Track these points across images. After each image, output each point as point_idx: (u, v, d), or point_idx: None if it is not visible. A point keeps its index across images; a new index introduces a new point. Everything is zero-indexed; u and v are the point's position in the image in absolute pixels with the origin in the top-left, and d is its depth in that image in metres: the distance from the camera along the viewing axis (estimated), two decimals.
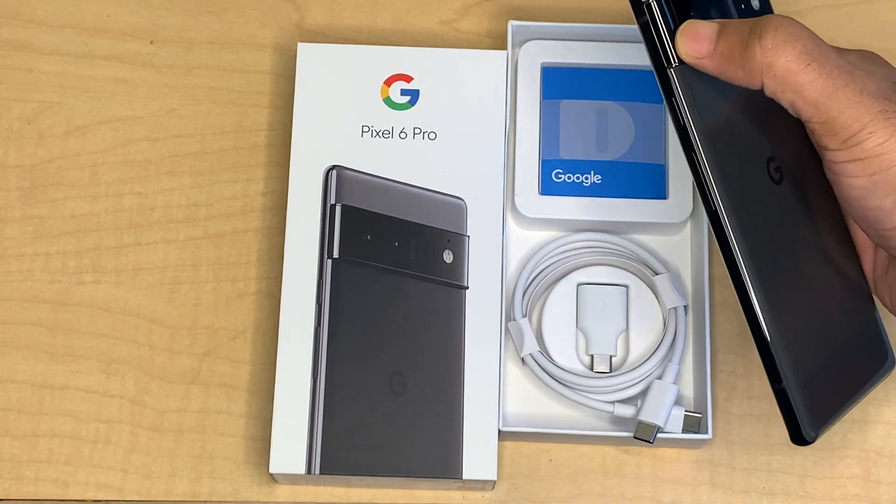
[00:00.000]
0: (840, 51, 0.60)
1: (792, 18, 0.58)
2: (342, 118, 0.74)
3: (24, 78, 0.78)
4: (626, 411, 0.71)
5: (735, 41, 0.58)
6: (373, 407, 0.70)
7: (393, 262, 0.72)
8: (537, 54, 0.76)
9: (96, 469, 0.73)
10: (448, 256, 0.73)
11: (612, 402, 0.72)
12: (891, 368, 0.66)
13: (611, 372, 0.73)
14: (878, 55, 0.62)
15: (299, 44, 0.76)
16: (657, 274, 0.73)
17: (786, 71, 0.57)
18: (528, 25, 0.76)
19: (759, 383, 0.74)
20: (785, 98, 0.58)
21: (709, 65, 0.59)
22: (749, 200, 0.59)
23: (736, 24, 0.59)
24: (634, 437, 0.71)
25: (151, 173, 0.77)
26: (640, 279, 0.74)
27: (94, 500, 0.72)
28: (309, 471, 0.69)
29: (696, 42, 0.58)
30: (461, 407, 0.70)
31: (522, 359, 0.73)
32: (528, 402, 0.73)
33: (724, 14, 0.60)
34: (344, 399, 0.70)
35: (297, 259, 0.72)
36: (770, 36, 0.57)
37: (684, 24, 0.59)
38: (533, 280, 0.74)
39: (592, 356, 0.73)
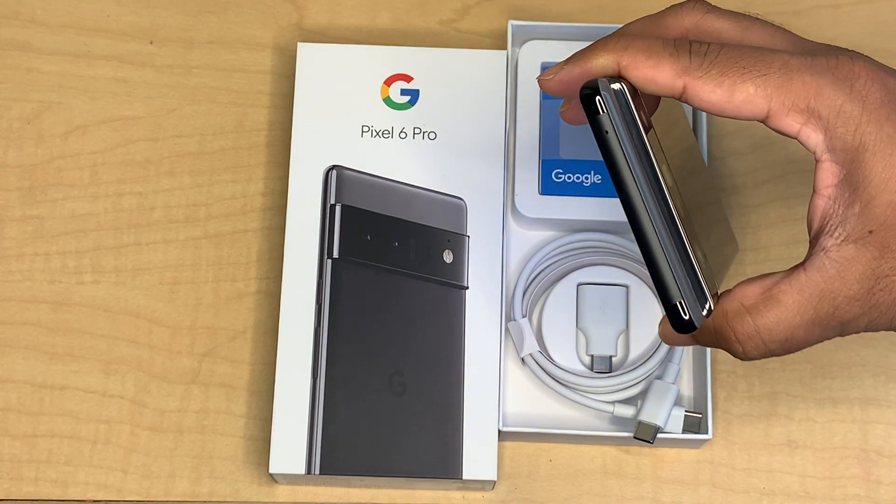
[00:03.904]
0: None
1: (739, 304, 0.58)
2: (342, 118, 0.74)
3: (24, 78, 0.78)
4: (626, 411, 0.71)
5: (709, 344, 0.60)
6: (373, 407, 0.70)
7: (393, 262, 0.72)
8: (537, 54, 0.76)
9: (96, 469, 0.73)
10: (448, 256, 0.73)
11: (612, 402, 0.72)
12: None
13: (611, 372, 0.73)
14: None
15: (299, 44, 0.76)
16: None
17: (769, 353, 0.58)
18: (528, 25, 0.76)
19: (759, 383, 0.74)
20: None
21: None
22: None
23: (701, 331, 0.58)
24: (634, 437, 0.71)
25: (151, 173, 0.77)
26: (640, 279, 0.74)
27: (94, 500, 0.72)
28: (309, 471, 0.69)
29: (675, 342, 0.62)
30: (461, 407, 0.70)
31: (522, 359, 0.73)
32: (528, 402, 0.73)
33: None
34: (344, 399, 0.70)
35: (297, 259, 0.72)
36: (743, 356, 0.58)
37: (661, 326, 0.61)
38: (533, 280, 0.74)
39: (592, 356, 0.73)
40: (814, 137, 0.56)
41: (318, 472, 0.69)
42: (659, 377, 0.72)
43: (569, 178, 0.74)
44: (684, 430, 0.71)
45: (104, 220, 0.76)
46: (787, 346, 0.58)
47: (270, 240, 0.76)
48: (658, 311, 0.73)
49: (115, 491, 0.72)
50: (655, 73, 0.56)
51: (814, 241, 0.57)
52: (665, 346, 0.72)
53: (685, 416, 0.71)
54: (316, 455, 0.69)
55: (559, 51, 0.76)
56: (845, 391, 0.74)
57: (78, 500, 0.72)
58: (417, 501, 0.72)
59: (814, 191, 0.57)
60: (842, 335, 0.58)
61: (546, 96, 0.75)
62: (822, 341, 0.58)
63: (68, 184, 0.77)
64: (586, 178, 0.74)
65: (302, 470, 0.69)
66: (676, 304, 0.56)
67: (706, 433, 0.71)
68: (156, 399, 0.74)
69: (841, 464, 0.73)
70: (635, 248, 0.74)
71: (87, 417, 0.73)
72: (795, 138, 0.56)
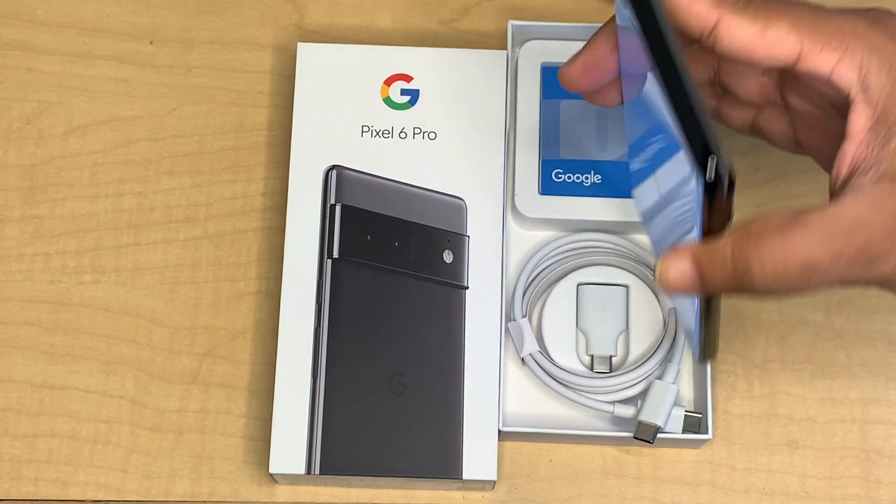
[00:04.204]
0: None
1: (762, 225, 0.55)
2: (342, 118, 0.74)
3: (24, 78, 0.78)
4: (626, 411, 0.71)
5: (719, 278, 0.56)
6: (373, 407, 0.70)
7: (393, 262, 0.72)
8: (537, 54, 0.76)
9: (96, 469, 0.73)
10: (448, 256, 0.73)
11: (612, 402, 0.72)
12: None
13: (611, 372, 0.73)
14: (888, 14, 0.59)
15: (299, 44, 0.76)
16: None
17: (787, 281, 0.55)
18: (528, 25, 0.76)
19: (759, 383, 0.74)
20: None
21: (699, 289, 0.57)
22: None
23: (713, 257, 0.56)
24: (634, 438, 0.71)
25: (151, 173, 0.77)
26: (640, 279, 0.74)
27: (94, 500, 0.72)
28: (309, 471, 0.69)
29: (676, 280, 0.57)
30: (461, 407, 0.70)
31: (522, 359, 0.73)
32: (528, 402, 0.73)
33: None
34: (344, 399, 0.70)
35: (297, 259, 0.72)
36: (760, 280, 0.55)
37: (659, 266, 0.57)
38: (533, 280, 0.74)
39: (592, 356, 0.73)
40: (847, 76, 0.55)
41: (318, 472, 0.69)
42: (659, 377, 0.72)
43: (569, 178, 0.74)
44: (684, 430, 0.71)
45: (104, 220, 0.76)
46: (807, 275, 0.54)
47: (270, 240, 0.76)
48: (658, 312, 0.73)
49: (115, 491, 0.72)
50: (692, 1, 0.56)
51: (842, 186, 0.55)
52: (665, 346, 0.72)
53: (685, 416, 0.71)
54: (316, 455, 0.69)
55: (559, 51, 0.76)
56: (845, 391, 0.74)
57: (78, 500, 0.72)
58: (417, 501, 0.72)
59: (845, 137, 0.56)
60: (864, 279, 0.55)
61: (546, 96, 0.75)
62: (843, 282, 0.55)
63: (68, 184, 0.77)
64: (586, 178, 0.74)
65: (302, 470, 0.69)
66: (708, 159, 0.53)
67: (706, 433, 0.71)
68: (156, 399, 0.74)
69: (841, 464, 0.73)
70: (635, 249, 0.74)
71: (87, 417, 0.73)
72: (828, 79, 0.55)
